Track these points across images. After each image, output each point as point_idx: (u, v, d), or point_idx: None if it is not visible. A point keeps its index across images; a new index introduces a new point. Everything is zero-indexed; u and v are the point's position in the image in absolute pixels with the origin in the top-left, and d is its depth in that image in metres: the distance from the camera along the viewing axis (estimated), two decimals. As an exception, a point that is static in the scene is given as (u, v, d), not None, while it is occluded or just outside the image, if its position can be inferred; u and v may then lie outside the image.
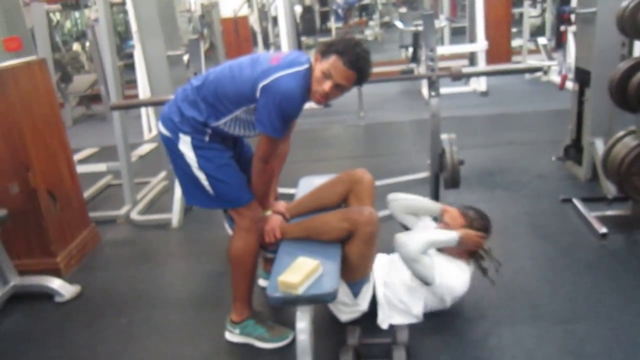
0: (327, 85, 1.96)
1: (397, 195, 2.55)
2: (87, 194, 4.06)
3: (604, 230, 2.86)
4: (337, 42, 1.97)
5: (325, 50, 1.97)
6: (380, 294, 2.27)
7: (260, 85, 1.95)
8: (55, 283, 2.81)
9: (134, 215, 3.71)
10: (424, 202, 2.50)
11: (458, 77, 2.74)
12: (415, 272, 2.17)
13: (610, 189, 3.27)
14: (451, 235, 2.21)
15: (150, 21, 3.30)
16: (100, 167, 4.14)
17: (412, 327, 2.16)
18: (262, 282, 2.64)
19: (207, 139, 2.08)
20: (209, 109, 2.05)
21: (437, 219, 2.45)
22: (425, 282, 2.18)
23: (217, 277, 2.87)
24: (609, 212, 3.06)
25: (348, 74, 1.95)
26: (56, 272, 2.93)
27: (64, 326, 2.58)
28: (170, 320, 2.55)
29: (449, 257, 2.26)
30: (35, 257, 2.98)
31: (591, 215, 3.02)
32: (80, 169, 4.01)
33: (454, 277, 2.20)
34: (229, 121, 2.07)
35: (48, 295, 2.78)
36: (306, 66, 2.00)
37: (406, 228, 2.53)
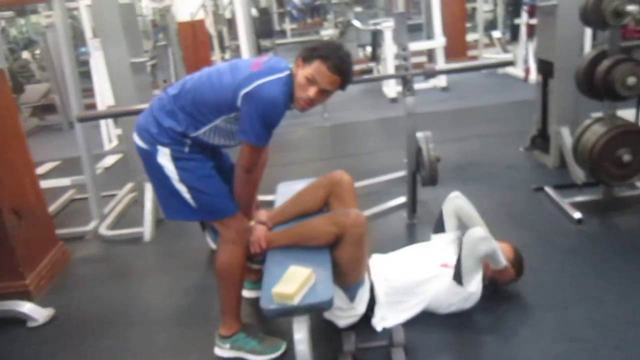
0: (312, 92, 1.93)
1: (461, 196, 2.54)
2: (50, 210, 3.88)
3: (578, 215, 2.93)
4: (320, 47, 1.93)
5: (308, 56, 1.93)
6: (381, 292, 2.25)
7: (242, 92, 1.89)
8: (26, 307, 2.66)
9: (103, 231, 3.57)
10: (478, 218, 2.48)
11: (432, 74, 2.74)
12: (466, 267, 2.16)
13: (579, 175, 3.35)
14: (503, 260, 2.24)
15: (112, 28, 3.18)
16: (64, 181, 3.96)
17: (406, 327, 2.14)
18: (246, 292, 2.57)
19: (186, 149, 2.01)
20: (187, 119, 1.98)
21: None
22: (460, 280, 2.18)
23: (198, 291, 2.79)
24: (581, 198, 3.14)
25: (333, 78, 1.92)
26: (26, 295, 2.78)
27: (40, 353, 2.45)
28: (154, 339, 2.45)
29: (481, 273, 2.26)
30: (3, 280, 2.82)
31: (564, 202, 3.09)
32: (43, 184, 3.84)
33: (477, 292, 2.22)
34: (208, 131, 2.00)
35: (20, 321, 2.63)
36: (287, 72, 1.95)
37: (439, 227, 2.53)
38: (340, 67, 1.92)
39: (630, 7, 2.63)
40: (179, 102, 1.99)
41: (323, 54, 1.91)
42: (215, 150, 2.19)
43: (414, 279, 2.25)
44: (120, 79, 3.32)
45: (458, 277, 2.18)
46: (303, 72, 1.93)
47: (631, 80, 2.72)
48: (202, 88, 1.97)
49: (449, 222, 2.51)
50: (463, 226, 2.49)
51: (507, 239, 2.79)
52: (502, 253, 2.29)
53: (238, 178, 2.08)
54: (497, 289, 2.35)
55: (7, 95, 2.95)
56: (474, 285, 2.19)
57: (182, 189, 2.01)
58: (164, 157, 1.99)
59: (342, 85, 1.99)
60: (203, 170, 2.04)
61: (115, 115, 3.86)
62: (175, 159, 1.99)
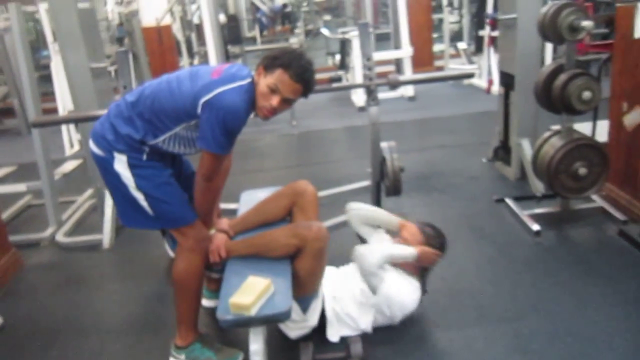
0: (274, 101, 1.91)
1: (357, 205, 2.52)
2: (4, 215, 3.76)
3: (537, 227, 2.98)
4: (281, 55, 1.91)
5: (269, 64, 1.91)
6: (329, 308, 2.23)
7: (202, 100, 1.86)
8: (-27, 316, 2.57)
9: (60, 237, 3.47)
10: (383, 214, 2.48)
11: (395, 85, 2.76)
12: (371, 285, 2.16)
13: (538, 187, 3.42)
14: (410, 251, 2.22)
15: (71, 32, 3.10)
16: (20, 187, 3.83)
17: (363, 339, 2.13)
18: (205, 302, 2.53)
19: (144, 157, 1.97)
20: (145, 126, 1.94)
21: (392, 232, 2.44)
22: (376, 294, 2.17)
23: (155, 299, 2.73)
24: (539, 210, 3.19)
25: (295, 87, 1.91)
26: (-26, 304, 2.69)
27: (-14, 364, 2.36)
28: (107, 349, 2.38)
29: (401, 272, 2.25)
30: (-51, 288, 2.72)
31: (524, 214, 3.14)
32: (-3, 189, 3.73)
33: (407, 293, 2.20)
34: (167, 138, 1.96)
35: (-35, 331, 2.53)
36: (248, 80, 1.93)
37: (361, 238, 2.51)
38: (302, 75, 1.91)
39: (585, 23, 2.70)
40: (137, 108, 1.95)
41: (285, 62, 1.90)
42: (175, 157, 2.16)
43: (354, 299, 2.23)
44: (79, 84, 3.24)
45: (372, 292, 2.18)
46: (265, 81, 1.91)
47: (587, 94, 2.79)
48: (161, 95, 1.93)
49: (364, 232, 2.49)
50: (377, 226, 2.48)
51: (466, 249, 2.83)
52: (411, 238, 2.29)
53: (198, 186, 2.04)
54: (426, 276, 2.33)
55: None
56: (388, 290, 2.17)
57: (139, 197, 1.97)
58: (121, 165, 1.94)
59: (305, 94, 1.98)
60: (161, 178, 2.00)
61: (72, 121, 3.77)
62: (132, 166, 1.95)
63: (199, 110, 1.87)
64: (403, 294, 2.19)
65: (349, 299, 2.24)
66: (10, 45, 5.96)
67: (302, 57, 1.93)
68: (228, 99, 1.85)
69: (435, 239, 2.33)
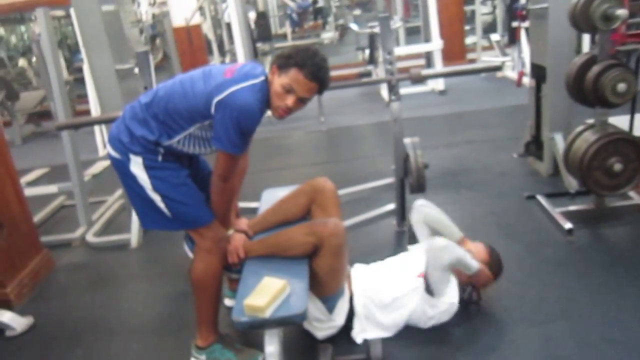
0: (290, 100, 1.89)
1: (427, 204, 2.50)
2: (38, 217, 3.86)
3: (569, 225, 2.86)
4: (295, 54, 1.88)
5: (283, 64, 1.88)
6: (360, 304, 2.20)
7: (215, 100, 1.84)
8: (6, 316, 2.62)
9: (90, 238, 3.54)
10: (449, 223, 2.45)
11: (417, 80, 2.69)
12: (433, 279, 2.12)
13: (572, 183, 3.29)
14: (474, 264, 2.19)
15: (96, 35, 3.15)
16: (51, 188, 3.93)
17: (385, 341, 2.09)
18: (228, 301, 2.53)
19: (160, 158, 1.97)
20: (160, 127, 1.94)
21: None
22: (432, 292, 2.13)
23: (180, 299, 2.74)
24: (573, 207, 3.07)
25: (310, 86, 1.88)
26: (6, 304, 2.74)
27: (16, 363, 2.42)
28: (131, 349, 2.41)
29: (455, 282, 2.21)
30: (-18, 289, 2.79)
31: (555, 211, 3.02)
32: (30, 191, 3.82)
33: (456, 302, 2.16)
34: (182, 139, 1.96)
35: (-2, 330, 2.60)
36: (262, 78, 1.91)
37: (413, 237, 2.47)
38: (317, 74, 1.88)
39: (620, 11, 2.57)
40: (151, 110, 1.95)
41: (299, 61, 1.86)
42: (191, 158, 2.16)
43: (392, 292, 2.19)
44: (105, 86, 3.29)
45: (429, 290, 2.13)
46: (279, 81, 1.88)
47: (621, 86, 2.66)
48: (175, 96, 1.92)
49: (420, 231, 2.46)
50: (436, 233, 2.44)
51: (495, 249, 2.73)
52: (476, 255, 2.24)
53: (214, 187, 2.03)
54: (475, 295, 2.29)
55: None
56: (449, 296, 2.14)
57: (156, 198, 1.97)
58: (137, 167, 1.95)
59: (320, 92, 1.95)
60: (177, 179, 2.00)
61: (96, 123, 3.82)
62: (148, 167, 1.95)
63: (213, 110, 1.86)
64: (455, 301, 2.15)
65: (386, 293, 2.19)
66: (43, 51, 6.10)
67: (316, 55, 1.89)
68: (241, 97, 1.83)
69: (496, 265, 2.32)
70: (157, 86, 2.04)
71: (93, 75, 3.27)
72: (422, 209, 2.48)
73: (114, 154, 1.99)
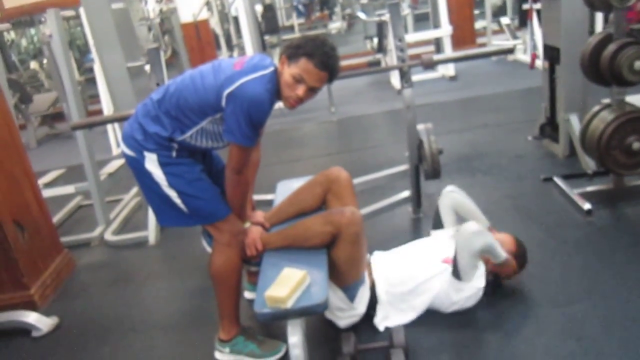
0: (300, 90, 1.88)
1: (457, 190, 2.50)
2: (57, 218, 3.90)
3: (588, 206, 2.83)
4: (304, 44, 1.87)
5: (293, 54, 1.87)
6: (382, 291, 2.20)
7: (226, 92, 1.84)
8: (31, 317, 2.66)
9: (109, 236, 3.57)
10: (477, 211, 2.45)
11: (429, 65, 2.67)
12: (463, 263, 2.11)
13: (589, 164, 3.25)
14: (503, 253, 2.18)
15: (107, 33, 3.16)
16: (68, 189, 3.96)
17: (407, 328, 2.09)
18: (248, 294, 2.55)
19: (174, 154, 1.97)
20: (172, 123, 1.94)
21: None
22: (459, 277, 2.13)
23: (201, 294, 2.76)
24: (591, 188, 3.03)
25: (321, 75, 1.87)
26: (31, 305, 2.78)
27: (44, 362, 2.45)
28: (156, 345, 2.44)
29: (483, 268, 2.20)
30: (7, 291, 2.82)
31: (574, 192, 3.00)
32: (48, 192, 3.86)
33: (481, 287, 2.16)
34: (194, 134, 1.96)
35: (24, 331, 2.63)
36: (271, 69, 1.90)
37: (437, 223, 2.47)
38: (327, 63, 1.87)
39: (635, -12, 2.53)
40: (163, 106, 1.95)
41: (309, 51, 1.85)
42: (204, 153, 2.16)
43: (416, 277, 2.19)
44: (117, 84, 3.31)
45: (456, 274, 2.12)
46: (289, 71, 1.88)
47: (638, 64, 2.62)
48: (186, 91, 1.93)
49: (447, 217, 2.45)
50: (461, 220, 2.42)
51: (513, 232, 2.71)
52: (503, 245, 2.22)
53: (229, 180, 2.03)
54: (499, 283, 2.28)
55: (3, 109, 2.95)
56: (477, 281, 2.13)
57: (172, 195, 1.98)
58: (152, 163, 1.95)
59: (330, 80, 1.95)
60: (192, 174, 2.00)
61: (110, 122, 3.84)
62: (163, 164, 1.96)
63: (224, 102, 1.86)
64: (480, 287, 2.15)
65: (408, 277, 2.19)
66: (55, 52, 6.15)
67: (325, 44, 1.88)
68: (251, 89, 1.82)
69: (521, 257, 2.30)
70: (167, 82, 2.04)
71: (105, 73, 3.29)
72: (452, 195, 2.47)
73: (128, 152, 2.00)
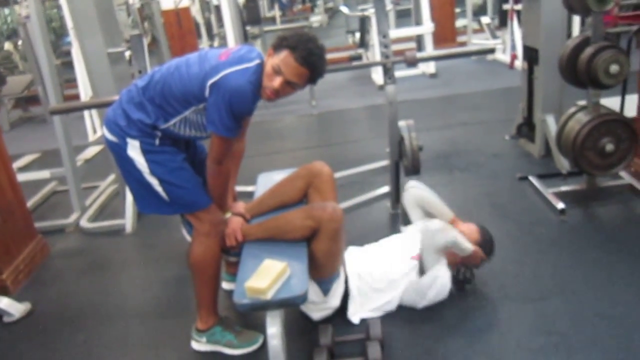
0: (277, 82, 1.87)
1: (418, 185, 2.53)
2: (31, 203, 3.83)
3: (561, 205, 2.90)
4: (290, 37, 1.87)
5: (278, 45, 1.88)
6: (354, 286, 2.22)
7: (209, 82, 1.84)
8: (3, 302, 2.61)
9: (84, 223, 3.52)
10: (440, 204, 2.48)
11: (413, 62, 2.69)
12: (427, 261, 2.16)
13: (564, 164, 3.33)
14: (468, 246, 2.22)
15: (88, 17, 3.10)
16: (44, 174, 3.89)
17: (383, 320, 2.12)
18: (225, 285, 2.55)
19: (157, 142, 1.96)
20: (156, 111, 1.93)
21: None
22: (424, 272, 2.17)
23: (178, 283, 2.76)
24: (565, 188, 3.11)
25: (299, 70, 1.86)
26: (3, 290, 2.74)
27: (16, 348, 2.42)
28: (131, 333, 2.43)
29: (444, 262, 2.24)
30: (-22, 275, 2.78)
31: (548, 192, 3.06)
32: (22, 177, 3.77)
33: (447, 284, 2.19)
34: (178, 122, 1.95)
35: (-4, 316, 2.60)
36: (257, 61, 1.90)
37: (405, 218, 2.50)
38: (308, 59, 1.85)
39: (613, -7, 2.59)
40: (147, 93, 1.94)
41: (292, 44, 1.85)
42: (188, 142, 2.15)
43: (386, 275, 2.22)
44: (97, 70, 3.25)
45: (422, 270, 2.18)
46: (271, 61, 1.88)
47: (614, 68, 2.68)
48: (170, 79, 1.91)
49: (413, 213, 2.49)
50: (428, 214, 2.47)
51: (490, 229, 2.74)
52: (468, 235, 2.28)
53: (209, 170, 2.03)
54: (468, 272, 2.32)
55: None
56: (435, 269, 2.18)
57: (154, 182, 1.97)
58: (134, 150, 1.94)
59: (312, 79, 1.92)
60: (174, 162, 1.99)
61: (90, 107, 3.79)
62: (146, 151, 1.94)
63: (207, 92, 1.85)
64: (446, 282, 2.18)
65: (379, 274, 2.22)
66: (32, 33, 6.02)
67: (310, 41, 1.87)
68: (234, 80, 1.82)
69: (488, 244, 2.35)
70: (153, 70, 2.02)
71: (85, 59, 3.23)
72: (413, 191, 2.51)
73: (110, 137, 1.98)
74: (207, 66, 1.87)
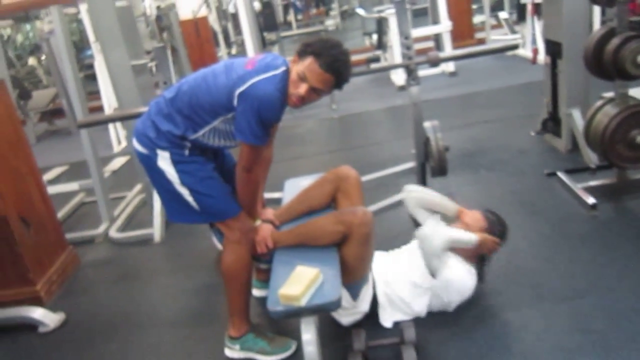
0: (302, 89, 1.87)
1: (413, 187, 2.48)
2: (60, 214, 3.90)
3: (592, 200, 2.85)
4: (314, 43, 1.87)
5: (302, 51, 1.88)
6: (381, 293, 2.21)
7: (237, 92, 1.85)
8: (38, 312, 2.67)
9: (113, 233, 3.57)
10: (442, 199, 2.42)
11: (436, 62, 2.68)
12: (432, 267, 2.12)
13: (592, 158, 3.27)
14: (471, 237, 2.17)
15: (111, 31, 3.14)
16: (72, 186, 3.96)
17: (416, 323, 2.10)
18: (256, 292, 2.55)
19: (186, 152, 1.98)
20: (185, 122, 1.95)
21: (449, 219, 2.37)
22: (435, 277, 2.14)
23: (207, 291, 2.78)
24: (594, 182, 3.05)
25: (324, 77, 1.86)
26: (37, 301, 2.79)
27: (52, 358, 2.46)
28: (164, 341, 2.45)
29: (459, 259, 2.20)
30: (13, 287, 2.83)
31: (578, 187, 3.01)
32: (52, 189, 3.85)
33: (466, 280, 2.17)
34: (207, 132, 1.97)
35: (31, 327, 2.64)
36: (283, 69, 1.91)
37: (416, 222, 2.47)
38: (333, 65, 1.85)
39: (638, -17, 2.54)
40: (175, 105, 1.96)
41: (316, 50, 1.85)
42: (216, 151, 2.17)
43: (410, 282, 2.20)
44: (122, 82, 3.30)
45: (432, 275, 2.15)
46: (296, 68, 1.88)
47: (642, 58, 2.63)
48: (198, 90, 1.93)
49: (420, 215, 2.41)
50: (433, 212, 2.40)
51: (518, 227, 2.73)
52: (474, 224, 2.24)
53: (239, 178, 2.04)
54: (486, 263, 2.28)
55: (8, 104, 2.95)
56: (445, 272, 2.14)
57: (184, 192, 1.99)
58: (164, 161, 1.96)
59: (337, 85, 1.92)
60: (204, 172, 2.01)
61: (117, 120, 3.84)
62: (176, 162, 1.97)
63: (235, 102, 1.86)
64: (463, 279, 2.16)
65: (404, 282, 2.21)
66: (55, 48, 6.14)
67: (335, 47, 1.87)
68: (262, 88, 1.83)
69: (497, 226, 2.29)
70: (180, 81, 2.04)
71: (109, 71, 3.28)
72: (410, 195, 2.43)
73: (140, 149, 2.01)
74: (234, 75, 1.88)
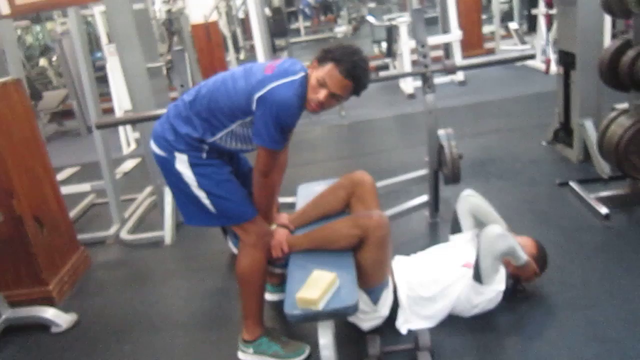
0: (322, 94, 1.89)
1: (474, 194, 2.51)
2: (71, 215, 3.90)
3: (605, 210, 2.85)
4: (334, 49, 1.89)
5: (322, 57, 1.90)
6: (403, 295, 2.21)
7: (256, 96, 1.87)
8: (50, 312, 2.68)
9: (124, 235, 3.58)
10: (495, 215, 2.45)
11: (452, 70, 2.69)
12: (485, 265, 2.11)
13: (604, 168, 3.27)
14: (524, 256, 2.18)
15: (128, 33, 3.17)
16: (84, 187, 3.98)
17: (432, 330, 2.11)
18: (268, 296, 2.55)
19: (204, 155, 1.99)
20: (203, 125, 1.96)
21: None
22: (480, 279, 2.13)
23: (219, 294, 2.78)
24: (607, 192, 3.05)
25: (344, 83, 1.88)
26: (49, 301, 2.80)
27: (64, 358, 2.46)
28: (177, 343, 2.45)
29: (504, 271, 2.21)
30: (26, 286, 2.83)
31: (590, 197, 3.01)
32: (63, 190, 3.86)
33: (501, 292, 2.17)
34: (224, 136, 1.98)
35: (43, 327, 2.64)
36: (302, 74, 1.92)
37: (455, 227, 2.48)
38: (352, 71, 1.87)
39: (656, -5, 2.55)
40: (194, 108, 1.97)
41: (337, 56, 1.87)
42: (233, 155, 2.18)
43: (437, 282, 2.20)
44: (137, 84, 3.31)
45: (478, 277, 2.13)
46: (315, 74, 1.90)
47: (658, 70, 2.64)
48: (217, 94, 1.95)
49: (465, 221, 2.46)
50: (480, 224, 2.44)
51: (531, 236, 2.72)
52: (524, 249, 2.23)
53: (256, 182, 2.06)
54: (521, 287, 2.29)
55: (24, 104, 2.97)
56: (497, 284, 2.14)
57: (201, 195, 2.00)
58: (182, 164, 1.98)
59: (356, 91, 1.94)
60: (221, 175, 2.02)
61: (133, 121, 3.86)
62: (193, 165, 1.98)
63: (254, 106, 1.88)
64: (501, 290, 2.16)
65: (430, 282, 2.20)
66: (68, 49, 6.19)
67: (355, 54, 1.89)
68: (280, 93, 1.85)
69: (542, 260, 2.31)
70: (199, 84, 2.06)
71: (125, 73, 3.29)
72: (470, 199, 2.48)
73: (158, 152, 2.02)
74: (253, 80, 1.89)
